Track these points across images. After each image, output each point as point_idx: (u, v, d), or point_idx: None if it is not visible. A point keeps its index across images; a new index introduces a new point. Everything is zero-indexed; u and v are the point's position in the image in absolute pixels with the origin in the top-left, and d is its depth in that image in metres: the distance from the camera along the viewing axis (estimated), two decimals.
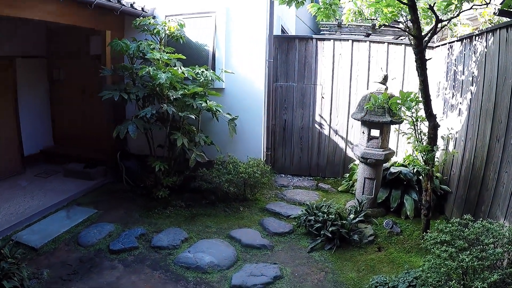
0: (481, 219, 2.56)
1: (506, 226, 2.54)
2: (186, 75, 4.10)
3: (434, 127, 3.43)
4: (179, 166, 4.60)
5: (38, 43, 5.80)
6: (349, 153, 5.42)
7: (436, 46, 5.11)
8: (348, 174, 5.20)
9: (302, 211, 3.93)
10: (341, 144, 5.53)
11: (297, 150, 5.66)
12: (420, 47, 3.29)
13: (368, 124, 4.10)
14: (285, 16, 7.11)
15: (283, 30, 6.67)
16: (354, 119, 4.24)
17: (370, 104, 3.71)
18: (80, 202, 4.43)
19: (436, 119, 3.45)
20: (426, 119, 3.44)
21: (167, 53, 4.35)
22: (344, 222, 3.60)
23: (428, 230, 3.47)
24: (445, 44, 4.75)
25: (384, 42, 5.27)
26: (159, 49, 4.45)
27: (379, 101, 3.63)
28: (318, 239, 3.59)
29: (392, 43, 5.30)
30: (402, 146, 5.33)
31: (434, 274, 2.22)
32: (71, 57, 5.75)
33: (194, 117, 4.19)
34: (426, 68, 3.35)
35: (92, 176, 5.10)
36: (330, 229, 3.51)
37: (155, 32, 4.42)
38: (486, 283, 1.99)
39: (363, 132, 4.22)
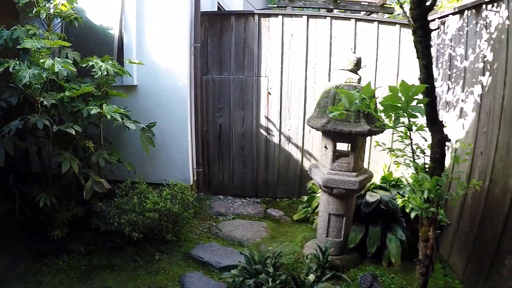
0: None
1: None
2: (58, 69, 2.76)
3: (441, 142, 2.05)
4: (78, 194, 3.33)
5: None
6: (307, 165, 4.07)
7: None
8: (306, 197, 3.97)
9: (238, 267, 2.72)
10: (296, 154, 4.30)
11: (239, 164, 4.39)
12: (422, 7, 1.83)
13: (333, 135, 2.76)
14: None
15: (220, 7, 5.25)
16: (312, 127, 2.86)
17: (339, 110, 2.04)
18: None
19: (444, 128, 2.05)
20: (426, 128, 2.02)
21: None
22: None
23: None
24: (434, 19, 3.56)
25: (350, 19, 4.02)
26: (47, 36, 3.12)
27: (355, 105, 1.98)
28: None
29: (362, 20, 4.05)
30: (376, 157, 4.15)
31: None
32: None
33: (80, 130, 2.91)
34: (431, 46, 1.96)
35: None
36: None
37: (34, 13, 3.12)
38: None
39: (325, 147, 2.87)
